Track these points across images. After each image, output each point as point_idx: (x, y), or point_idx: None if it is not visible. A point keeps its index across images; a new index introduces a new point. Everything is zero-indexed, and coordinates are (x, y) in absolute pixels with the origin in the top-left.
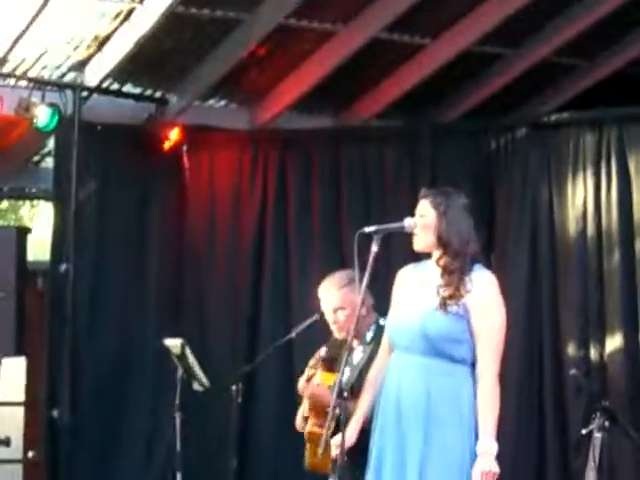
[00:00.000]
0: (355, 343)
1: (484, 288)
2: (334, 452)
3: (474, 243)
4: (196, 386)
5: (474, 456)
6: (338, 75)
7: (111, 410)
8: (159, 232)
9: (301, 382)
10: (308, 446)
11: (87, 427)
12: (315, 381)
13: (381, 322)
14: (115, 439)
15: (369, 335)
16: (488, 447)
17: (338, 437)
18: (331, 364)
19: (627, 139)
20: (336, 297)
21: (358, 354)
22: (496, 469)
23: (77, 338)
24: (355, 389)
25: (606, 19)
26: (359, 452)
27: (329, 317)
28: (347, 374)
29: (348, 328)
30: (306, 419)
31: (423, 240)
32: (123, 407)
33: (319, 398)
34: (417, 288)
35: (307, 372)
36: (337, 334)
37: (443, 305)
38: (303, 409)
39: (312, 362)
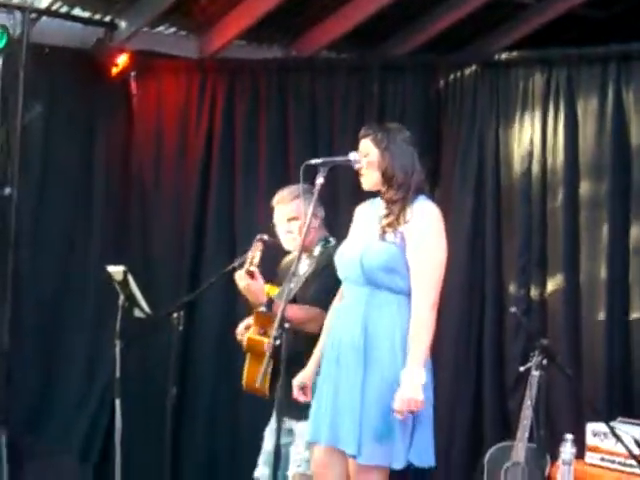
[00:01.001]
0: (304, 257)
1: (422, 218)
2: (295, 394)
3: (418, 174)
4: (137, 313)
5: None
6: (289, 6)
7: (51, 336)
8: (105, 158)
9: (240, 272)
10: (247, 362)
11: (27, 352)
12: (255, 262)
13: (330, 239)
14: (55, 365)
15: (317, 249)
16: (412, 375)
17: (299, 377)
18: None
19: (576, 80)
20: (289, 207)
21: (304, 266)
22: (419, 397)
23: (19, 262)
24: (298, 298)
25: None
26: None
27: (282, 228)
28: (292, 284)
29: (296, 241)
30: (248, 328)
31: (370, 178)
32: (64, 333)
33: (255, 292)
34: (366, 222)
35: (249, 255)
36: (290, 246)
37: (382, 234)
38: (246, 321)
39: (253, 246)
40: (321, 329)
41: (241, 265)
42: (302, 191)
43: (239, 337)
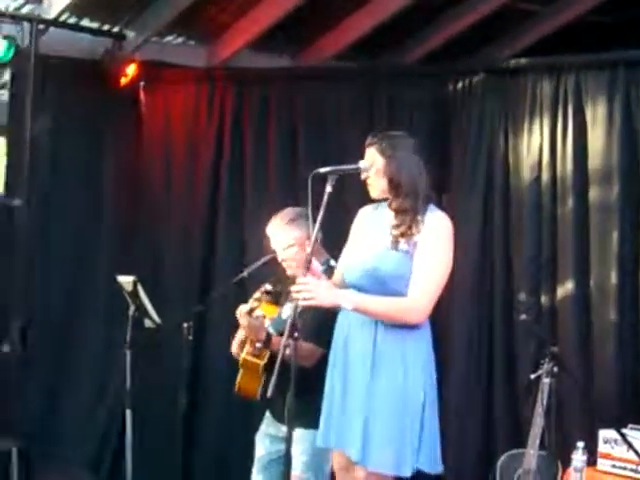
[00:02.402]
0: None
1: (433, 226)
2: None
3: (424, 181)
4: (148, 323)
5: (422, 395)
6: (297, 15)
7: (62, 346)
8: (114, 169)
9: (241, 309)
10: (241, 372)
11: (38, 362)
12: (257, 312)
13: (331, 263)
14: (66, 375)
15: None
16: (348, 296)
17: None
18: (276, 298)
19: (584, 87)
20: (285, 235)
21: None
22: (326, 298)
23: (29, 273)
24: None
25: None
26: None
27: (280, 255)
28: (289, 312)
29: (298, 265)
30: (242, 345)
31: (377, 187)
32: (74, 343)
33: (254, 330)
34: (372, 228)
35: (250, 303)
36: (289, 271)
37: (395, 243)
38: (240, 335)
39: (256, 295)
40: (312, 364)
41: (250, 274)
42: (295, 216)
43: (234, 352)
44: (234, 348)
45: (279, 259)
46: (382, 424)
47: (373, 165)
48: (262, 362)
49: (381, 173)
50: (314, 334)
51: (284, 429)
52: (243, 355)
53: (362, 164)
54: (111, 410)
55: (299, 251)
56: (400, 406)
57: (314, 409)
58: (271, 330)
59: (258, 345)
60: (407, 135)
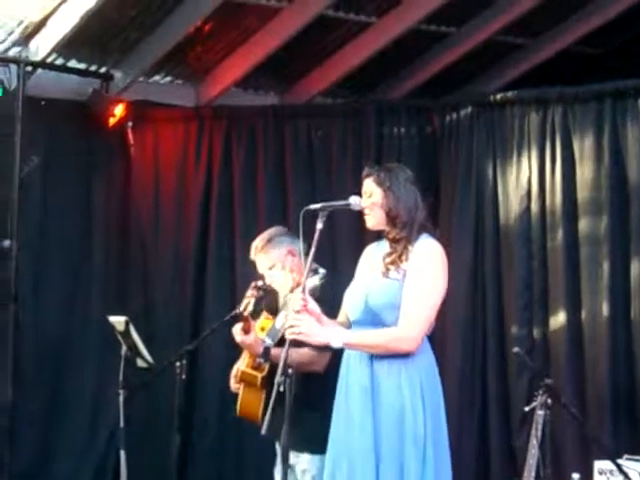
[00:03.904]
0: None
1: (423, 253)
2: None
3: (421, 212)
4: (140, 363)
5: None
6: (284, 52)
7: (54, 387)
8: (104, 209)
9: (236, 327)
10: (241, 390)
11: (29, 405)
12: (257, 325)
13: (319, 270)
14: (58, 417)
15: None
16: (339, 334)
17: None
18: (271, 310)
19: (572, 118)
20: (265, 257)
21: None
22: (317, 337)
23: (20, 315)
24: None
25: None
26: None
27: (267, 278)
28: (283, 320)
29: (287, 282)
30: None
31: (373, 218)
32: (66, 384)
33: (250, 346)
34: (371, 262)
35: (244, 302)
36: (281, 292)
37: (385, 272)
38: (235, 371)
39: (248, 293)
40: (323, 367)
41: (241, 313)
42: (269, 237)
43: (233, 388)
44: (233, 386)
45: (267, 282)
46: (388, 460)
47: (371, 197)
48: (260, 374)
49: (378, 205)
50: None
51: (292, 459)
52: (242, 368)
53: (352, 200)
54: (105, 450)
55: (282, 268)
56: (402, 439)
57: (320, 433)
58: (268, 340)
59: (258, 360)
60: (404, 167)
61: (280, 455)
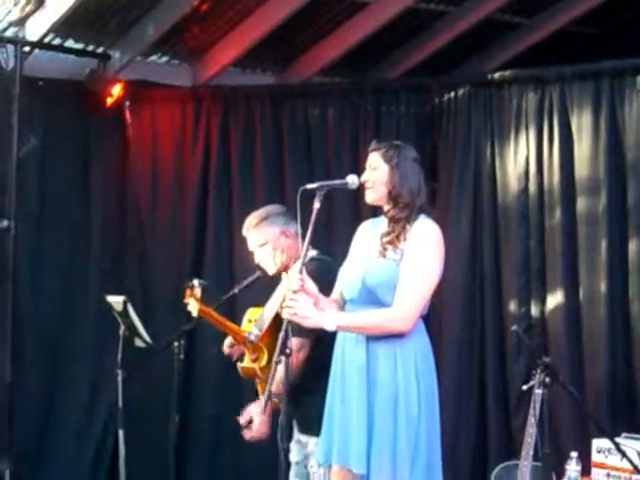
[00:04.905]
0: (283, 275)
1: (420, 234)
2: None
3: (423, 194)
4: (138, 343)
5: (417, 408)
6: (281, 32)
7: (52, 368)
8: (102, 188)
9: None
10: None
11: (28, 384)
12: (245, 317)
13: (310, 252)
14: (56, 397)
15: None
16: (331, 317)
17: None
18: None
19: (569, 97)
20: (256, 235)
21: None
22: (308, 318)
23: (18, 295)
24: (277, 318)
25: None
26: None
27: (256, 256)
28: (271, 305)
29: (275, 263)
30: (232, 345)
31: (374, 193)
32: (65, 364)
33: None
34: (368, 242)
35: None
36: (268, 271)
37: (382, 252)
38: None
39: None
40: (305, 355)
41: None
42: (265, 214)
43: (226, 351)
44: (225, 348)
45: (256, 260)
46: (380, 438)
47: (375, 170)
48: (258, 365)
49: (382, 181)
50: (300, 328)
51: (303, 437)
52: (242, 364)
53: (350, 179)
54: (103, 429)
55: (273, 248)
56: (395, 419)
57: (323, 415)
58: (256, 331)
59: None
60: (411, 146)
61: (279, 429)
